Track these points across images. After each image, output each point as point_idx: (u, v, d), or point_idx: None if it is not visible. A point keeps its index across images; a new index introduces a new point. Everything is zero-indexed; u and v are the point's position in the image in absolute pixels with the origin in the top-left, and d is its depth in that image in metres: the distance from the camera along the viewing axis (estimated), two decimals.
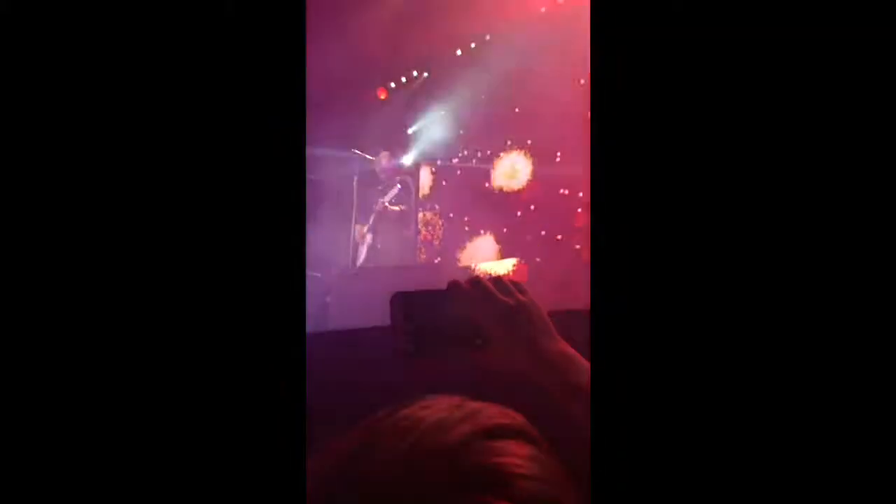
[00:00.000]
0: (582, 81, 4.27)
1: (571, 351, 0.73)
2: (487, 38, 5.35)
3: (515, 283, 0.77)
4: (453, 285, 0.75)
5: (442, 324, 0.74)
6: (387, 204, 4.55)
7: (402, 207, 4.56)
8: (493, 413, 0.50)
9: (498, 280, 0.76)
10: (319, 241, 4.69)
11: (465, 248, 5.01)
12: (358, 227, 4.67)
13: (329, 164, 5.00)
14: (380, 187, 4.76)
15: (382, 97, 5.61)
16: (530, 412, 0.53)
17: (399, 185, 4.60)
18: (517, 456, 0.47)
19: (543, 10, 4.94)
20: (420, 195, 4.85)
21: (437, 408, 0.50)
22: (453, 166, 5.31)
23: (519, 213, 4.92)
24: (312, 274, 4.08)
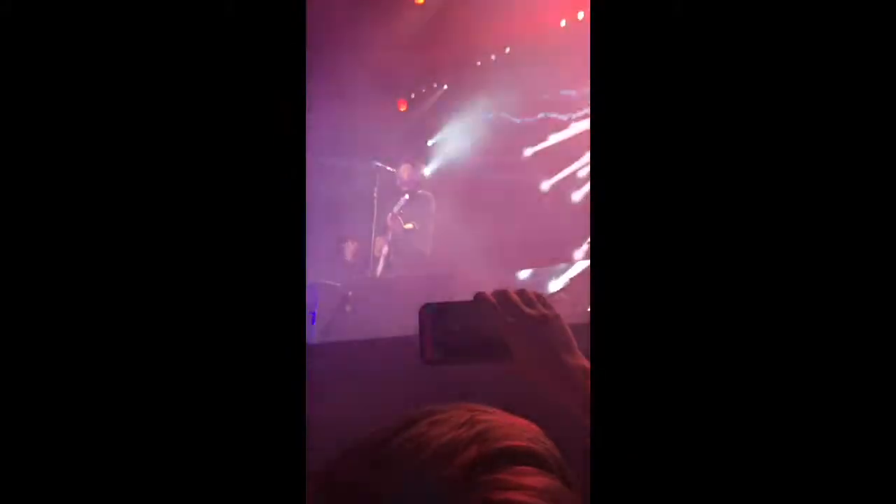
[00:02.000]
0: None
1: (590, 366, 0.72)
2: (507, 50, 5.38)
3: (540, 296, 0.78)
4: (479, 297, 0.77)
5: (466, 334, 0.77)
6: (396, 214, 4.56)
7: (414, 225, 4.55)
8: (504, 433, 0.48)
9: (523, 292, 0.78)
10: (339, 251, 4.72)
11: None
12: (377, 238, 4.68)
13: (351, 175, 5.03)
14: (401, 200, 4.77)
15: (403, 109, 5.64)
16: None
17: (406, 196, 4.61)
18: (526, 489, 0.45)
19: (564, 23, 4.97)
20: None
21: (447, 425, 0.48)
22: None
23: None
24: (333, 283, 4.11)
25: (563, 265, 4.56)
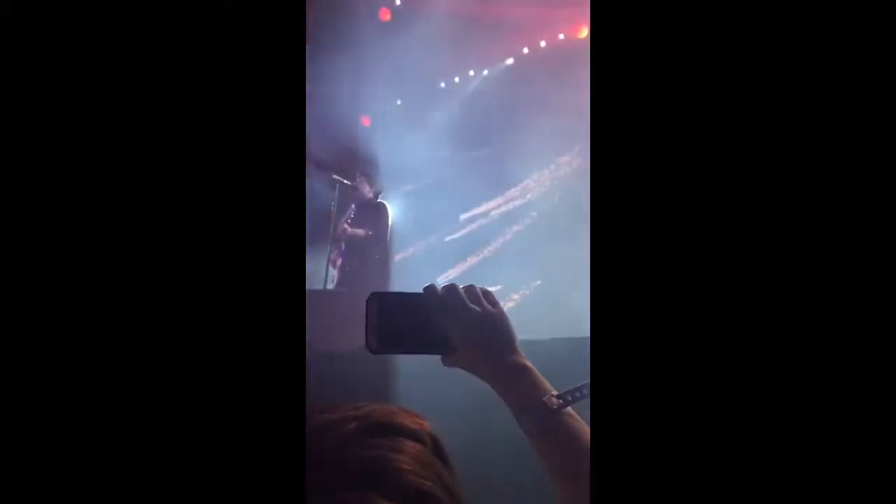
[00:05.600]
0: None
1: (528, 365, 0.76)
2: (471, 73, 5.45)
3: (486, 293, 0.79)
4: (429, 290, 0.78)
5: (411, 326, 0.77)
6: (347, 223, 4.59)
7: (368, 232, 4.57)
8: (387, 413, 0.52)
9: (470, 289, 0.79)
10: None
11: None
12: (334, 251, 4.67)
13: (310, 188, 4.99)
14: (350, 210, 4.79)
15: (366, 125, 5.65)
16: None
17: (354, 206, 4.64)
18: (397, 451, 0.49)
19: (543, 44, 5.08)
20: None
21: (337, 412, 0.51)
22: None
23: None
24: None
25: None
